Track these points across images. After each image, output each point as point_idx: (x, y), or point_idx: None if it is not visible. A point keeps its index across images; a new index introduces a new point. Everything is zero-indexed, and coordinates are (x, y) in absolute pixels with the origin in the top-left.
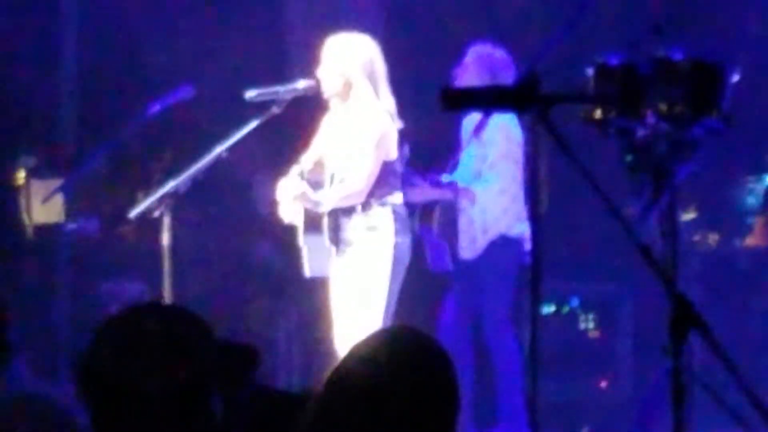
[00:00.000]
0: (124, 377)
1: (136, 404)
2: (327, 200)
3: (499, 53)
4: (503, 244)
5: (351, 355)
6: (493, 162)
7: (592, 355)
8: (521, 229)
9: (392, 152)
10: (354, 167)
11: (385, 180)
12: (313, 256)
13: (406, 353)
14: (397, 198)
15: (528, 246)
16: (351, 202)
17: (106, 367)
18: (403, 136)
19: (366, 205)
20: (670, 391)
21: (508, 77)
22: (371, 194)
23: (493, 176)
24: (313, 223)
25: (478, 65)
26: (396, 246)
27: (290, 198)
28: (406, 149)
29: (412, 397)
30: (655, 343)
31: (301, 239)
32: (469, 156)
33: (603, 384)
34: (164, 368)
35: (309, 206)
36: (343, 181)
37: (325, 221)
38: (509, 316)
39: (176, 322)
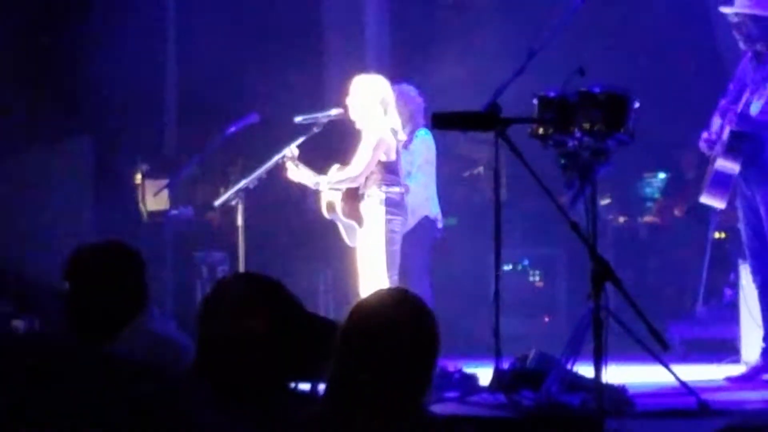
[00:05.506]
0: (218, 325)
1: (228, 346)
2: (325, 181)
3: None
4: (425, 222)
5: (362, 304)
6: (419, 165)
7: (538, 300)
8: (436, 212)
9: (390, 156)
10: (354, 161)
11: (382, 175)
12: (346, 231)
13: (401, 306)
14: (394, 188)
15: (440, 224)
16: (346, 184)
17: (213, 319)
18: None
19: (367, 192)
20: (592, 323)
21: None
22: (371, 184)
23: (420, 175)
24: (342, 207)
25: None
26: (390, 222)
27: (296, 178)
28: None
29: (406, 335)
30: (583, 291)
31: (338, 219)
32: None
33: (546, 320)
34: (246, 318)
35: (311, 185)
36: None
37: (341, 205)
38: (428, 272)
39: (257, 285)
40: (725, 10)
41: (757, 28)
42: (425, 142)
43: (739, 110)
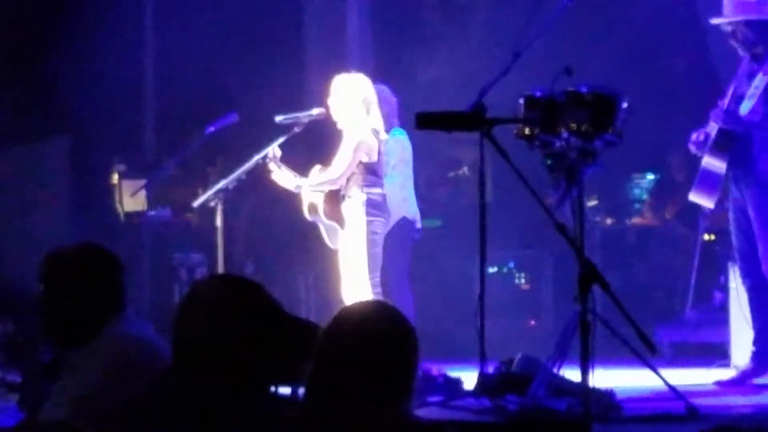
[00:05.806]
0: (195, 328)
1: (203, 349)
2: (306, 184)
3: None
4: (403, 223)
5: (346, 313)
6: (394, 165)
7: (524, 303)
8: (414, 212)
9: (372, 157)
10: (334, 163)
11: (364, 176)
12: (327, 233)
13: (381, 318)
14: (375, 189)
15: (418, 225)
16: (327, 186)
17: (190, 321)
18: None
19: (348, 194)
20: (579, 326)
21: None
22: (352, 185)
23: (395, 175)
24: (324, 208)
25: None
26: (371, 224)
27: (278, 180)
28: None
29: (385, 349)
30: (569, 294)
31: (320, 221)
32: None
33: (532, 323)
34: (223, 320)
35: (291, 187)
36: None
37: (323, 206)
38: (406, 274)
39: (234, 286)
40: (716, 21)
41: (752, 32)
42: (400, 142)
43: (724, 107)
